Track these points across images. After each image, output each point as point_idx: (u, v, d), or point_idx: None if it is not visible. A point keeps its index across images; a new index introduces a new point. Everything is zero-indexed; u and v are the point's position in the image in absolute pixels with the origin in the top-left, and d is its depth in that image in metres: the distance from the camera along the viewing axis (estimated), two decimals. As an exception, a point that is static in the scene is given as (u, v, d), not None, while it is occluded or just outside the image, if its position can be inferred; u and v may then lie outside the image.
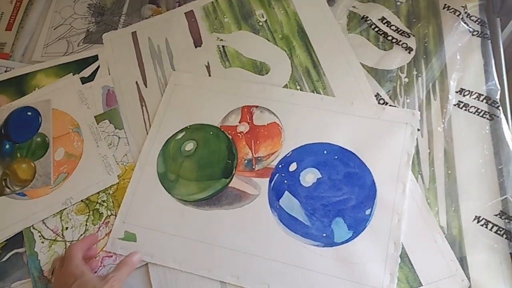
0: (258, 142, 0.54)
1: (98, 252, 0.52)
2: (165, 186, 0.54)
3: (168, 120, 0.57)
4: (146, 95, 0.61)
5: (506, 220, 0.47)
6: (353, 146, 0.52)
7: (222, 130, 0.56)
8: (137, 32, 0.66)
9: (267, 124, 0.55)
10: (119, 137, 0.58)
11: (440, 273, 0.46)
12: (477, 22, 0.60)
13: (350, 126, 0.53)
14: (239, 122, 0.56)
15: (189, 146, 0.55)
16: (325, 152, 0.52)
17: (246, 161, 0.54)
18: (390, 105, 0.55)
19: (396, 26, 0.61)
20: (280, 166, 0.52)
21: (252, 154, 0.54)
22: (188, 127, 0.57)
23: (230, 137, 0.55)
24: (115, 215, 0.53)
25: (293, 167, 0.52)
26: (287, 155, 0.53)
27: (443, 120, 0.54)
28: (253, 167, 0.53)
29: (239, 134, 0.55)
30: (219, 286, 0.48)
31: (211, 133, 0.56)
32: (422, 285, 0.46)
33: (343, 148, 0.52)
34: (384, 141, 0.52)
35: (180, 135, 0.56)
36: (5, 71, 0.66)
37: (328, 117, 0.54)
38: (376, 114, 0.54)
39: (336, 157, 0.52)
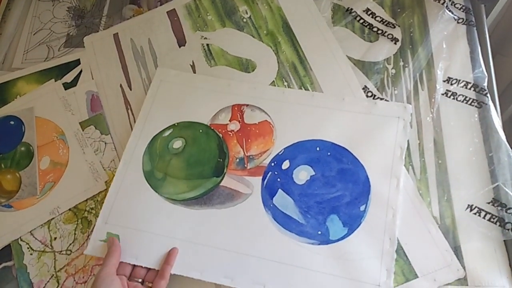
0: (249, 140, 0.54)
1: (87, 262, 0.51)
2: (151, 185, 0.52)
3: (154, 117, 0.56)
4: (131, 98, 0.60)
5: (499, 208, 0.47)
6: (345, 142, 0.52)
7: (212, 128, 0.55)
8: (119, 34, 0.64)
9: (259, 122, 0.54)
10: (105, 143, 0.57)
11: (435, 264, 0.46)
12: (462, 10, 0.59)
13: (342, 122, 0.53)
14: (230, 121, 0.55)
15: (177, 143, 0.54)
16: (317, 149, 0.52)
17: (237, 160, 0.53)
18: (379, 98, 0.54)
19: (381, 17, 0.60)
20: (272, 164, 0.52)
21: (244, 152, 0.53)
22: (176, 124, 0.56)
23: (220, 135, 0.54)
24: (105, 222, 0.52)
25: (286, 165, 0.51)
26: (280, 153, 0.52)
27: (432, 110, 0.53)
28: (245, 165, 0.52)
29: (229, 133, 0.54)
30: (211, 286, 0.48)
31: (201, 131, 0.55)
32: (418, 277, 0.46)
33: (336, 144, 0.52)
34: (377, 135, 0.52)
35: (167, 132, 0.55)
36: (-15, 80, 0.64)
37: (320, 114, 0.54)
38: (368, 109, 0.53)
39: (329, 153, 0.51)
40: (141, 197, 0.52)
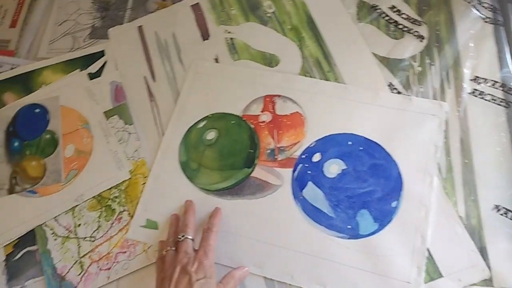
0: (280, 132, 0.54)
1: (111, 249, 0.51)
2: (187, 175, 0.53)
3: (190, 108, 0.57)
4: (154, 89, 0.60)
5: (526, 209, 0.47)
6: (378, 137, 0.51)
7: (244, 119, 0.55)
8: (143, 27, 0.65)
9: (290, 113, 0.54)
10: (129, 133, 0.57)
11: (460, 264, 0.45)
12: (489, 9, 0.58)
13: (376, 117, 0.52)
14: (261, 112, 0.55)
15: (211, 135, 0.55)
16: (349, 143, 0.51)
17: (268, 151, 0.53)
18: (406, 95, 0.54)
19: (406, 14, 0.60)
20: (303, 156, 0.52)
21: (275, 144, 0.53)
22: (210, 115, 0.56)
23: (252, 126, 0.54)
24: (128, 211, 0.53)
25: (316, 157, 0.51)
26: (311, 146, 0.52)
27: (459, 108, 0.53)
28: (276, 157, 0.52)
29: (261, 124, 0.54)
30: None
31: (233, 122, 0.55)
32: (442, 276, 0.45)
33: (368, 139, 0.51)
34: (411, 132, 0.51)
35: (201, 124, 0.56)
36: (11, 69, 0.65)
37: (353, 107, 0.53)
38: (403, 105, 0.53)
39: (361, 148, 0.51)
40: (178, 186, 0.53)
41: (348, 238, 0.48)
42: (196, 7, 0.65)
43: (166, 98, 0.59)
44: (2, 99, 0.62)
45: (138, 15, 0.67)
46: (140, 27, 0.65)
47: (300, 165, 0.52)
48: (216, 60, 0.60)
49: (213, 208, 0.50)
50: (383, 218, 0.48)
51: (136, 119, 0.58)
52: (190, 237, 0.46)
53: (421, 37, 0.58)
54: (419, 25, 0.59)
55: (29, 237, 0.54)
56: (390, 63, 0.57)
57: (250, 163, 0.53)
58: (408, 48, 0.57)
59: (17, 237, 0.54)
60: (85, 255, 0.51)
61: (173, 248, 0.46)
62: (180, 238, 0.46)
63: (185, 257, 0.44)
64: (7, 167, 0.57)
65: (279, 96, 0.56)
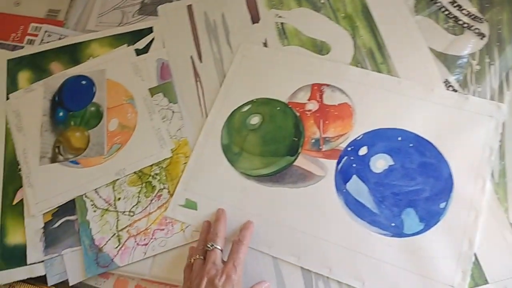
0: (327, 122, 0.52)
1: (149, 225, 0.51)
2: (228, 158, 0.53)
3: (235, 92, 0.56)
4: (200, 70, 0.59)
5: None
6: (430, 135, 0.49)
7: (289, 106, 0.54)
8: (192, 6, 0.64)
9: (338, 104, 0.53)
10: (173, 111, 0.57)
11: (508, 272, 0.44)
12: (557, 10, 0.55)
13: (429, 114, 0.50)
14: (308, 100, 0.54)
15: (255, 119, 0.54)
16: (399, 138, 0.50)
17: (313, 141, 0.52)
18: (462, 93, 0.52)
19: (467, 11, 0.57)
20: (349, 148, 0.50)
21: (320, 133, 0.52)
22: (255, 100, 0.55)
23: (297, 114, 0.53)
24: (168, 189, 0.53)
25: (363, 151, 0.50)
26: (358, 138, 0.51)
27: (517, 111, 0.50)
28: (320, 147, 0.51)
29: (307, 112, 0.53)
30: (271, 262, 0.48)
31: (278, 108, 0.54)
32: (488, 283, 0.44)
33: (420, 137, 0.49)
34: (466, 133, 0.49)
35: (245, 108, 0.55)
36: (59, 39, 0.65)
37: (405, 102, 0.51)
38: (458, 104, 0.50)
39: (411, 145, 0.49)
40: (218, 169, 0.52)
41: (391, 236, 0.46)
42: (247, -11, 0.64)
43: (211, 80, 0.58)
44: (49, 68, 0.63)
45: (188, -6, 0.66)
46: (189, 6, 0.64)
47: (345, 158, 0.50)
48: (265, 44, 0.59)
49: (253, 194, 0.50)
50: (429, 219, 0.46)
51: (181, 98, 0.58)
52: (219, 247, 0.45)
53: (481, 35, 0.55)
54: (481, 22, 0.56)
55: (69, 207, 0.54)
56: (447, 59, 0.54)
57: (293, 151, 0.52)
58: (467, 45, 0.55)
59: (57, 206, 0.54)
60: (123, 229, 0.52)
61: (202, 257, 0.45)
62: (209, 247, 0.45)
63: (213, 268, 0.43)
64: (50, 136, 0.58)
65: (327, 85, 0.54)
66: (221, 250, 0.45)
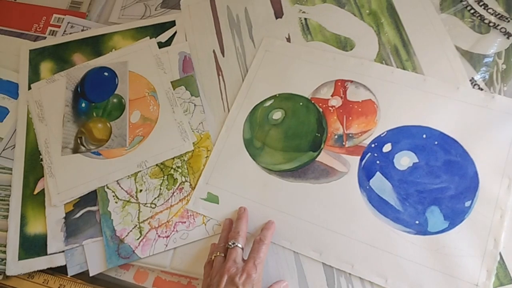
0: (350, 118, 0.52)
1: (171, 218, 0.51)
2: (250, 153, 0.53)
3: (257, 86, 0.56)
4: (223, 64, 0.59)
5: None
6: (456, 133, 0.49)
7: (312, 102, 0.54)
8: (215, 0, 0.64)
9: (362, 100, 0.53)
10: (195, 105, 0.57)
11: (534, 273, 0.43)
12: None
13: (454, 112, 0.50)
14: (331, 96, 0.54)
15: (277, 114, 0.54)
16: (424, 136, 0.49)
17: (336, 137, 0.52)
18: (489, 92, 0.51)
19: (493, 9, 0.57)
20: (373, 145, 0.50)
21: (343, 130, 0.52)
22: (277, 95, 0.55)
23: (320, 110, 0.53)
24: (190, 182, 0.53)
25: (387, 148, 0.50)
26: (382, 135, 0.50)
27: (545, 112, 0.50)
28: (344, 143, 0.51)
29: (330, 108, 0.53)
30: (292, 257, 0.48)
31: (301, 104, 0.54)
32: (514, 283, 0.43)
33: (445, 134, 0.49)
34: (492, 131, 0.49)
35: (268, 103, 0.55)
36: (82, 30, 0.66)
37: (430, 100, 0.51)
38: (485, 102, 0.50)
39: (436, 142, 0.49)
40: (240, 163, 0.52)
41: (415, 234, 0.46)
42: (270, -15, 0.63)
43: (233, 74, 0.58)
44: (71, 59, 0.63)
45: (210, -12, 0.66)
46: (212, 0, 0.64)
47: (369, 154, 0.50)
48: (288, 40, 0.59)
49: (275, 189, 0.50)
50: (454, 217, 0.46)
51: (203, 92, 0.58)
52: (240, 245, 0.45)
53: (508, 34, 0.55)
54: (507, 21, 0.55)
55: (91, 197, 0.54)
56: (473, 58, 0.54)
57: (316, 147, 0.52)
58: (493, 44, 0.54)
59: (79, 196, 0.54)
60: (144, 220, 0.52)
61: (222, 255, 0.45)
62: (230, 245, 0.45)
63: (233, 266, 0.43)
64: (73, 127, 0.58)
65: (351, 81, 0.54)
66: (242, 249, 0.45)
